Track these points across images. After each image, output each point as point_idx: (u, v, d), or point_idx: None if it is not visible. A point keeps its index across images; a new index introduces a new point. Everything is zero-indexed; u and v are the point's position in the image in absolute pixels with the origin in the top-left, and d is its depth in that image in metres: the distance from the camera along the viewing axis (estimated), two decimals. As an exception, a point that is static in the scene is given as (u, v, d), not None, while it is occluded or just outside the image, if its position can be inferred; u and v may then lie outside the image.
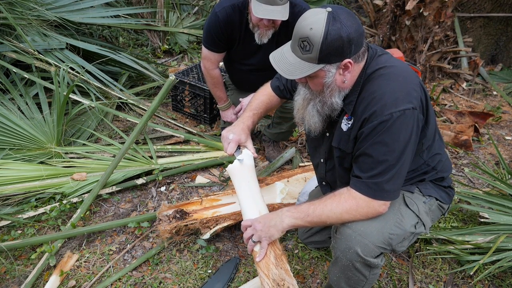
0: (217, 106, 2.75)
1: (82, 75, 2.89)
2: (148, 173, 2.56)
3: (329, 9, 1.24)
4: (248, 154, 1.69)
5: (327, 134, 1.53)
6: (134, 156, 2.58)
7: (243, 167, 1.68)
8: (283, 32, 2.30)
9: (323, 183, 1.72)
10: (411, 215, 1.46)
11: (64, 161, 2.51)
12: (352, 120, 1.38)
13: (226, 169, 1.69)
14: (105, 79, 3.14)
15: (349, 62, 1.29)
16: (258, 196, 1.64)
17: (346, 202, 1.36)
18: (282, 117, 2.64)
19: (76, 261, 2.00)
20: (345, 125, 1.41)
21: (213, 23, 2.29)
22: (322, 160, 1.64)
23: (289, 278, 1.49)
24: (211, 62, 2.47)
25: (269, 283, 1.44)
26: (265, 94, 1.84)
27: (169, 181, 2.57)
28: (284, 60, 1.33)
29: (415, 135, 1.31)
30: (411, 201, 1.48)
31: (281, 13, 2.08)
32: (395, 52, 3.12)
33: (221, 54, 2.46)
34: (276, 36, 2.30)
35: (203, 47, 2.44)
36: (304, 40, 1.25)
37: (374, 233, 1.36)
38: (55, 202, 2.26)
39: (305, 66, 1.28)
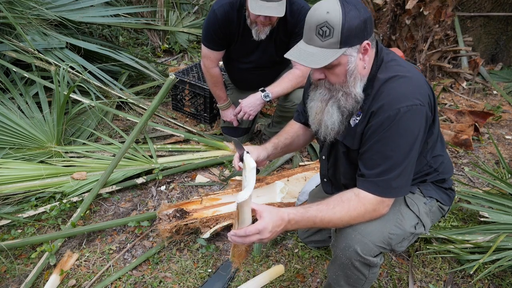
0: (217, 105, 2.75)
1: (83, 75, 2.89)
2: (148, 172, 2.56)
3: None
4: (252, 167, 1.45)
5: None
6: (134, 155, 2.58)
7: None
8: (281, 29, 2.30)
9: (325, 179, 1.71)
10: (411, 216, 1.46)
11: (64, 160, 2.52)
12: (360, 116, 1.37)
13: (238, 202, 1.31)
14: (105, 78, 3.14)
15: (368, 44, 1.27)
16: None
17: (355, 210, 1.33)
18: (282, 116, 2.64)
19: (76, 260, 2.00)
20: (353, 121, 1.39)
21: (212, 21, 2.29)
22: (324, 157, 1.63)
23: None
24: (210, 61, 2.46)
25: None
26: (287, 124, 1.82)
27: (169, 180, 2.57)
28: (304, 53, 1.28)
29: (422, 131, 1.30)
30: (412, 202, 1.48)
31: (277, 9, 2.07)
32: (396, 51, 3.11)
33: (220, 52, 2.45)
34: (274, 34, 2.29)
35: (202, 45, 2.44)
36: (323, 25, 1.22)
37: (374, 232, 1.36)
38: (55, 201, 2.26)
39: (328, 53, 1.24)
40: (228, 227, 2.12)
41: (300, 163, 2.59)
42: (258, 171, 1.69)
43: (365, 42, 1.26)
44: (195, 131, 2.97)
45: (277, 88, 2.39)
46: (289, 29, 2.29)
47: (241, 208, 1.35)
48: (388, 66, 1.34)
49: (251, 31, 2.27)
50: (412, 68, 1.37)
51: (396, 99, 1.26)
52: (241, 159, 1.58)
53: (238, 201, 1.31)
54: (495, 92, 3.82)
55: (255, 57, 2.43)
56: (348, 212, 1.33)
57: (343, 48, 1.24)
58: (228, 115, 2.71)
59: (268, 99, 2.40)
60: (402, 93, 1.27)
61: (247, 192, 1.32)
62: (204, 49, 2.43)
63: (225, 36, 2.34)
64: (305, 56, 1.27)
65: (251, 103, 2.43)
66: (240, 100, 2.46)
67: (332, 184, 1.68)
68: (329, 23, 1.21)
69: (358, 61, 1.29)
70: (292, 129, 1.78)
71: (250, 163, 1.42)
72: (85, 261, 2.01)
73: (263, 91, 2.39)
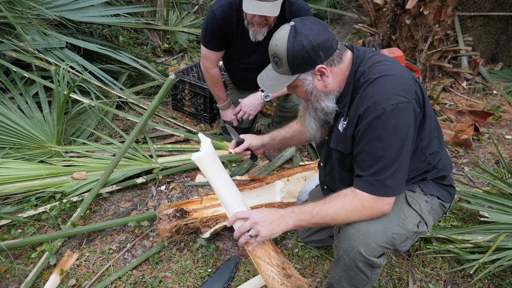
0: (217, 105, 2.75)
1: (83, 75, 2.89)
2: (148, 172, 2.56)
3: (292, 23, 1.32)
4: (207, 139, 1.64)
5: (326, 138, 1.55)
6: (134, 155, 2.58)
7: (213, 154, 1.58)
8: None
9: (324, 187, 1.72)
10: (413, 215, 1.46)
11: (64, 160, 2.52)
12: (347, 120, 1.39)
13: (193, 159, 1.56)
14: (105, 78, 3.14)
15: (323, 68, 1.34)
16: (235, 186, 1.58)
17: (351, 204, 1.35)
18: (282, 116, 2.64)
19: (76, 260, 2.00)
20: (341, 126, 1.42)
21: (211, 22, 2.28)
22: (321, 164, 1.64)
23: (285, 259, 1.51)
24: (210, 61, 2.46)
25: (274, 271, 1.42)
26: (294, 120, 1.89)
27: (169, 180, 2.57)
28: (267, 77, 1.45)
29: (412, 128, 1.31)
30: (413, 201, 1.48)
31: (270, 9, 2.06)
32: (395, 51, 3.11)
33: (219, 53, 2.45)
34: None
35: (201, 46, 2.44)
36: (275, 56, 1.36)
37: (378, 232, 1.36)
38: (55, 201, 2.27)
39: (282, 79, 1.39)
40: (228, 227, 2.12)
41: (300, 163, 2.59)
42: (255, 157, 1.85)
43: (319, 66, 1.33)
44: (195, 131, 2.97)
45: None
46: None
47: (203, 171, 1.56)
48: (372, 67, 1.36)
49: (249, 35, 2.26)
50: (397, 66, 1.38)
51: (381, 99, 1.28)
52: (237, 144, 1.76)
53: (192, 158, 1.56)
54: (495, 92, 3.82)
55: (254, 58, 2.43)
56: (343, 206, 1.36)
57: (296, 74, 1.36)
58: (228, 115, 2.71)
59: (268, 99, 2.40)
60: (386, 92, 1.28)
61: (200, 153, 1.56)
62: (203, 49, 2.43)
63: (223, 36, 2.33)
64: (266, 81, 1.45)
65: (251, 102, 2.43)
66: (240, 100, 2.46)
67: (331, 191, 1.67)
68: (277, 55, 1.34)
69: (316, 81, 1.38)
70: (296, 125, 1.83)
71: (202, 137, 1.65)
72: (85, 260, 2.01)
73: (263, 91, 2.39)
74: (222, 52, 2.47)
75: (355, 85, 1.37)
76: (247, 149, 1.79)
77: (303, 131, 1.80)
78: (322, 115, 1.44)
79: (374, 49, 2.33)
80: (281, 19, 2.21)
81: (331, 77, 1.37)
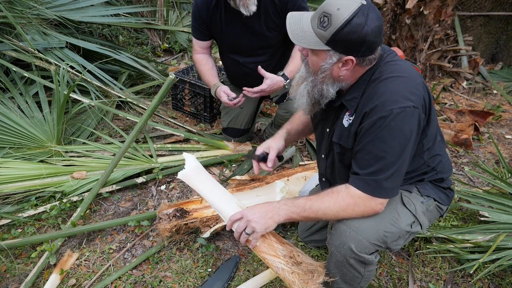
0: (210, 92, 2.58)
1: (82, 75, 2.89)
2: (148, 171, 2.56)
3: (364, 2, 1.23)
4: (190, 156, 1.66)
5: (327, 130, 1.53)
6: (134, 155, 2.58)
7: (198, 169, 1.63)
8: (270, 10, 2.22)
9: (323, 179, 1.71)
10: (407, 214, 1.46)
11: (64, 160, 2.52)
12: (353, 116, 1.38)
13: (179, 177, 1.62)
14: (105, 78, 3.14)
15: (351, 60, 1.28)
16: (226, 191, 1.62)
17: (343, 201, 1.35)
18: (283, 123, 2.61)
19: (76, 259, 2.00)
20: (346, 121, 1.40)
21: (193, 10, 2.33)
22: (323, 156, 1.63)
23: (294, 247, 1.49)
24: (195, 51, 2.49)
25: (281, 261, 1.42)
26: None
27: (169, 179, 2.57)
28: (299, 24, 1.32)
29: (415, 133, 1.31)
30: (409, 201, 1.48)
31: None
32: (396, 51, 3.12)
33: (206, 43, 2.46)
34: (263, 15, 2.23)
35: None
36: (327, 16, 1.23)
37: (369, 230, 1.36)
38: (55, 201, 2.27)
39: (313, 40, 1.28)
40: (228, 230, 2.12)
41: (300, 163, 2.59)
42: (282, 158, 1.80)
43: (350, 57, 1.27)
44: (195, 130, 2.97)
45: (290, 68, 2.30)
46: (279, 7, 2.23)
47: (192, 186, 1.60)
48: (385, 65, 1.34)
49: (234, 15, 2.22)
50: (409, 68, 1.37)
51: (389, 100, 1.27)
52: (261, 159, 1.70)
53: (178, 176, 1.60)
54: (495, 91, 3.82)
55: (244, 43, 2.37)
56: (336, 201, 1.36)
57: (328, 47, 1.26)
58: (222, 95, 2.40)
59: (287, 81, 2.26)
60: (396, 94, 1.27)
61: (184, 170, 1.60)
62: (193, 40, 2.47)
63: (206, 24, 2.32)
64: (296, 28, 1.31)
65: (274, 80, 2.22)
66: (266, 74, 2.22)
67: (330, 184, 1.67)
68: (332, 18, 1.22)
69: (335, 67, 1.31)
70: (304, 117, 1.79)
71: (186, 155, 1.69)
72: (85, 260, 2.01)
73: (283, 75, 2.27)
74: (208, 42, 2.46)
75: (367, 83, 1.35)
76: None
77: (310, 123, 1.78)
78: (317, 95, 1.39)
79: None
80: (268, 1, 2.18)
81: (349, 72, 1.33)
